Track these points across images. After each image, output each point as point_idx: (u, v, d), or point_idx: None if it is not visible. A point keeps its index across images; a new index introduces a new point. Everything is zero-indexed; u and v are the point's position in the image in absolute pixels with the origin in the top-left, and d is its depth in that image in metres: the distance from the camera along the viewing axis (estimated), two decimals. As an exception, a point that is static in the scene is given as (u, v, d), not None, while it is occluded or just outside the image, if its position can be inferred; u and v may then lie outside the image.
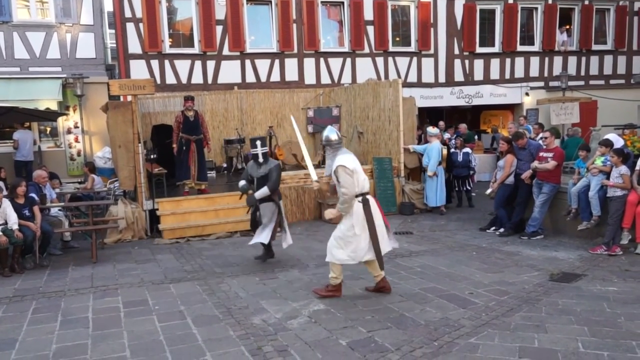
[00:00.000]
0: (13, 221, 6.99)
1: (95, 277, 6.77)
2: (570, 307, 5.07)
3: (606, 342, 4.26)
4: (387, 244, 5.54)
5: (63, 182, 11.14)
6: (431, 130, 10.80)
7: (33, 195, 7.74)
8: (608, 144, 7.57)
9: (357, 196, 5.27)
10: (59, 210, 8.65)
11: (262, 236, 6.92)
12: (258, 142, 7.00)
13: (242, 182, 7.10)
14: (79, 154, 12.84)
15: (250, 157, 7.26)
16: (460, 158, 11.11)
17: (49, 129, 12.81)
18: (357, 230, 5.27)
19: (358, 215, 5.27)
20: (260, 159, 6.98)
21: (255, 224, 7.15)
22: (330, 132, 5.60)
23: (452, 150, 11.28)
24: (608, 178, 7.23)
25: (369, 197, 5.37)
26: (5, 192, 7.40)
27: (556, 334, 4.44)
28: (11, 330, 4.96)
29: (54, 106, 11.98)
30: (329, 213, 5.63)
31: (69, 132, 12.77)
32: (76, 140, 12.82)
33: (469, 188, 11.46)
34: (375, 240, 5.29)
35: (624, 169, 7.06)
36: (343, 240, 5.35)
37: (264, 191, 6.81)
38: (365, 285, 5.96)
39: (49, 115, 11.59)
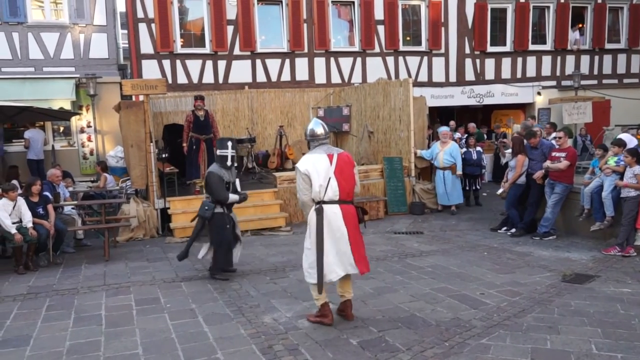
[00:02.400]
0: (27, 219, 7.08)
1: (108, 275, 6.84)
2: (583, 309, 5.03)
3: (620, 344, 4.23)
4: (341, 267, 4.64)
5: (76, 181, 11.25)
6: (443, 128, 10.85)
7: (47, 193, 7.83)
8: (621, 143, 7.50)
9: (316, 203, 4.61)
10: (72, 208, 8.74)
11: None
12: (229, 144, 6.28)
13: (236, 197, 6.42)
14: (91, 153, 12.95)
15: (218, 160, 6.38)
16: (474, 156, 11.07)
17: (62, 128, 12.94)
18: (307, 244, 4.71)
19: (310, 226, 4.66)
20: (229, 162, 6.30)
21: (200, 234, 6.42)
22: (316, 126, 4.89)
23: (465, 149, 11.25)
24: (621, 178, 7.17)
25: (326, 206, 4.58)
26: (20, 191, 7.49)
27: (569, 336, 4.41)
28: (25, 327, 5.02)
29: (67, 106, 12.10)
30: None
31: (82, 131, 12.89)
32: (89, 139, 12.93)
33: (479, 187, 11.43)
34: (320, 256, 4.55)
35: (638, 169, 6.98)
36: (305, 253, 4.78)
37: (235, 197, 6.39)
38: (376, 285, 5.95)
39: (63, 115, 11.71)
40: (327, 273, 4.59)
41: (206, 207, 6.24)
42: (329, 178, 4.60)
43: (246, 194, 6.67)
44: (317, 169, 4.60)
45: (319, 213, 4.58)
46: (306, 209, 4.76)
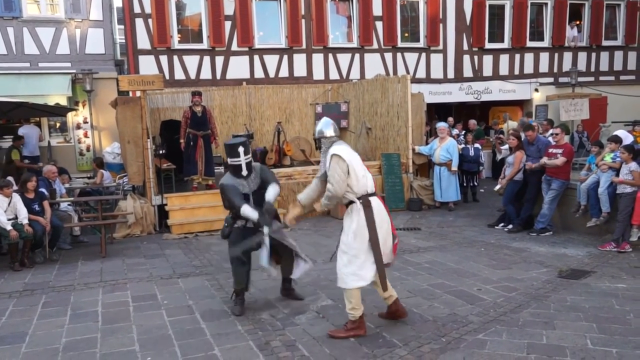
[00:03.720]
0: (23, 216, 7.06)
1: (105, 271, 6.83)
2: (579, 304, 5.05)
3: (615, 339, 4.24)
4: (388, 257, 4.48)
5: (72, 177, 11.21)
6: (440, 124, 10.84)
7: (43, 190, 7.81)
8: (617, 140, 7.52)
9: (359, 198, 4.30)
10: (69, 205, 8.72)
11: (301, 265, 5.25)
12: (241, 149, 5.14)
13: (254, 214, 4.89)
14: (88, 149, 12.92)
15: (231, 170, 5.23)
16: (472, 153, 11.07)
17: (58, 124, 12.89)
18: (351, 244, 4.28)
19: (358, 222, 4.27)
20: (244, 172, 5.13)
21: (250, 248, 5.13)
22: (326, 127, 4.57)
23: (463, 145, 11.25)
24: (618, 174, 7.18)
25: (371, 198, 4.36)
26: (15, 187, 7.47)
27: (565, 331, 4.42)
28: (21, 324, 5.01)
29: (63, 101, 12.04)
30: (292, 213, 4.70)
31: (78, 127, 12.85)
32: (85, 135, 12.89)
33: (476, 184, 11.43)
34: (378, 252, 4.26)
35: (634, 165, 7.00)
36: (347, 255, 4.31)
37: (276, 191, 5.17)
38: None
39: (59, 111, 11.67)
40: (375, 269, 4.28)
41: (225, 224, 5.21)
42: (364, 170, 4.43)
43: (271, 206, 5.08)
44: (353, 159, 4.37)
45: (367, 206, 4.27)
46: (333, 202, 4.41)
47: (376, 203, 4.38)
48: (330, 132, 4.56)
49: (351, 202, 4.34)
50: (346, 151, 4.38)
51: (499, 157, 10.31)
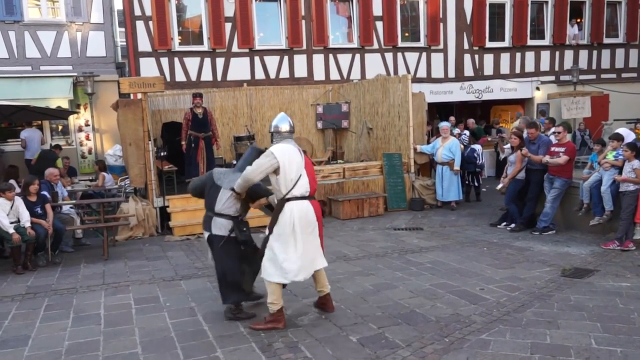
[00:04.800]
0: (25, 219, 7.06)
1: (107, 274, 6.83)
2: (582, 303, 5.03)
3: (619, 338, 4.22)
4: (313, 262, 4.65)
5: (74, 180, 11.22)
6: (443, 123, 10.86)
7: (45, 193, 7.81)
8: (619, 138, 7.49)
9: (287, 198, 4.48)
10: (71, 207, 8.72)
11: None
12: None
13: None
14: (90, 152, 12.93)
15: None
16: (465, 153, 11.06)
17: (60, 127, 12.91)
18: (273, 242, 4.52)
19: (280, 223, 4.49)
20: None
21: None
22: (282, 122, 4.69)
23: (465, 145, 11.24)
24: (620, 172, 7.16)
25: (300, 201, 4.51)
26: (18, 190, 7.47)
27: (568, 330, 4.40)
28: (24, 327, 5.01)
29: (65, 104, 12.05)
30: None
31: (80, 130, 12.86)
32: (87, 138, 12.90)
33: (477, 185, 11.39)
34: (294, 252, 4.49)
35: (636, 163, 6.97)
36: (271, 251, 4.54)
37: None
38: (376, 281, 5.95)
39: (60, 114, 11.66)
40: (303, 269, 4.55)
41: (244, 229, 4.96)
42: (300, 175, 4.55)
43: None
44: (290, 161, 4.50)
45: (287, 209, 4.47)
46: (243, 185, 4.56)
47: (304, 206, 4.53)
48: (285, 127, 4.68)
49: (280, 200, 4.53)
50: (287, 151, 4.53)
51: (501, 156, 10.28)
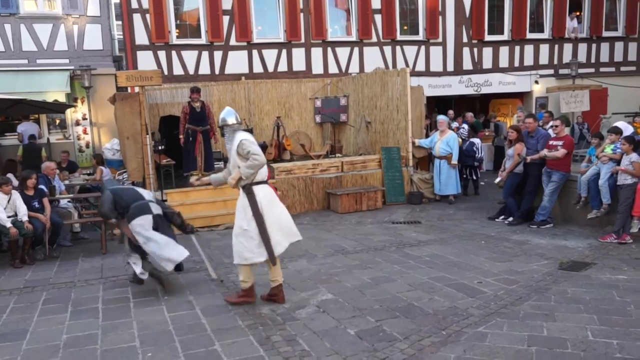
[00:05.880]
0: (23, 213, 7.05)
1: (105, 267, 6.83)
2: (579, 296, 5.04)
3: (615, 330, 4.23)
4: (286, 239, 5.03)
5: (72, 174, 11.20)
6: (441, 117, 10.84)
7: (42, 187, 7.79)
8: (617, 131, 7.50)
9: (256, 183, 4.88)
10: (68, 201, 8.71)
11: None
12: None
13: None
14: (87, 146, 12.90)
15: None
16: (464, 147, 11.05)
17: (57, 121, 12.87)
18: (244, 225, 4.88)
19: (246, 207, 4.87)
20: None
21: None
22: (228, 115, 5.05)
23: (464, 138, 11.23)
24: (618, 166, 7.16)
25: (263, 185, 4.95)
26: (15, 184, 7.45)
27: (565, 323, 4.41)
28: (22, 321, 5.01)
29: (62, 98, 12.02)
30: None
31: (77, 123, 12.83)
32: (84, 132, 12.88)
33: (475, 178, 11.39)
34: (264, 233, 4.83)
35: (634, 156, 6.99)
36: (243, 236, 4.91)
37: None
38: (374, 274, 5.96)
39: (57, 107, 11.64)
40: (274, 246, 4.89)
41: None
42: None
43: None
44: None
45: (250, 192, 4.85)
46: (254, 170, 4.82)
47: (264, 190, 4.96)
48: (232, 120, 5.04)
49: (247, 186, 4.88)
50: (251, 138, 4.93)
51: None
